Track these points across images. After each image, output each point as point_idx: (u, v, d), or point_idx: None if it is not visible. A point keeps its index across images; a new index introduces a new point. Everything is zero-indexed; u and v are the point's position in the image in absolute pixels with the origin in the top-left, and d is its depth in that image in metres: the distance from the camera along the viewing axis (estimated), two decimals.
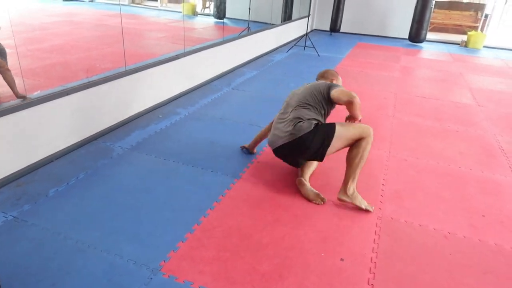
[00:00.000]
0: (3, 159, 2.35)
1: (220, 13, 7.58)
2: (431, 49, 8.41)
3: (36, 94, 2.61)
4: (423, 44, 8.83)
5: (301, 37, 7.71)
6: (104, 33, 5.58)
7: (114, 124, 3.24)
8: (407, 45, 8.71)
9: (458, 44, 9.03)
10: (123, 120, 3.34)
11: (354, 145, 2.31)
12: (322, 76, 2.81)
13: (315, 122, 2.34)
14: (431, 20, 8.83)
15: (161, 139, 3.13)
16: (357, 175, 2.31)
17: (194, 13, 8.16)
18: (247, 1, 6.11)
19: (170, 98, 3.99)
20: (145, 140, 3.08)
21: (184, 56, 4.11)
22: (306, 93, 2.48)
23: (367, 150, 2.28)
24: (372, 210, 2.30)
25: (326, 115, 2.51)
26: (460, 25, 10.29)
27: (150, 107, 3.69)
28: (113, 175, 2.54)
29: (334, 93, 2.37)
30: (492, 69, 6.76)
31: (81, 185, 2.40)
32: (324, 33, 9.76)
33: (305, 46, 7.32)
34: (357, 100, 2.28)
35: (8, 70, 2.64)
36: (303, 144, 2.29)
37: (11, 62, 2.65)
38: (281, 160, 2.89)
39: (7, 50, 2.64)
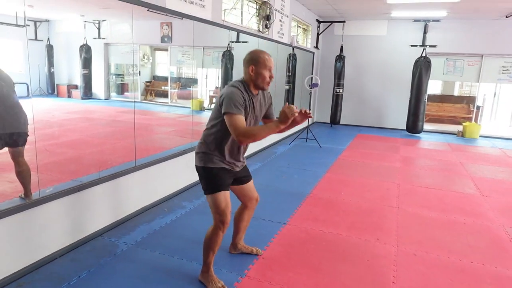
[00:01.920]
0: (4, 259, 2.33)
1: None
2: (429, 139, 8.70)
3: (48, 190, 2.70)
4: (421, 135, 9.17)
5: (303, 129, 8.08)
6: (116, 128, 5.90)
7: (121, 219, 3.27)
8: (405, 136, 9.05)
9: (455, 134, 9.37)
10: (129, 214, 3.37)
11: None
12: (243, 63, 2.31)
13: (201, 157, 2.29)
14: (426, 112, 9.31)
15: (166, 234, 3.12)
16: (205, 259, 2.37)
17: (202, 108, 8.68)
18: None
19: (176, 191, 4.07)
20: (150, 235, 3.08)
21: (192, 150, 4.30)
22: (215, 106, 2.27)
23: (211, 238, 2.32)
24: None
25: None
26: (454, 117, 10.79)
27: (156, 200, 3.75)
28: (115, 274, 2.49)
29: (225, 118, 2.10)
30: (491, 158, 6.91)
31: (82, 285, 2.35)
32: (325, 125, 10.22)
33: (307, 138, 7.63)
34: (243, 139, 2.04)
35: (25, 165, 2.76)
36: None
37: (28, 157, 2.79)
38: (287, 256, 2.85)
39: (27, 146, 2.79)
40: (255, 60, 2.22)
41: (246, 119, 2.18)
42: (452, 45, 9.05)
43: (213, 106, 9.45)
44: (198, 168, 2.35)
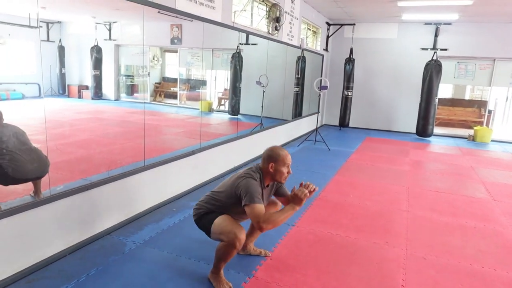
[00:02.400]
0: (14, 255, 2.36)
1: (234, 109, 8.10)
2: (440, 143, 8.61)
3: (58, 189, 2.73)
4: (431, 138, 9.07)
5: (312, 132, 8.06)
6: (126, 128, 5.95)
7: (129, 218, 3.29)
8: (415, 139, 8.96)
9: (466, 138, 9.25)
10: (138, 214, 3.39)
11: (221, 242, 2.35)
12: (262, 158, 2.45)
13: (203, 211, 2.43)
14: (436, 116, 9.21)
15: (174, 234, 3.13)
16: (216, 264, 2.38)
17: (210, 110, 8.71)
18: (260, 99, 6.57)
19: (184, 191, 4.08)
20: (158, 234, 3.09)
21: (200, 151, 4.31)
22: (227, 186, 2.41)
23: (223, 252, 2.32)
24: None
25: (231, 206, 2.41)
26: (465, 120, 10.66)
27: (165, 200, 3.76)
28: (123, 272, 2.50)
29: (246, 209, 2.22)
30: (503, 163, 6.81)
31: (91, 282, 2.36)
32: (334, 128, 10.18)
33: (315, 140, 7.60)
34: (266, 226, 2.16)
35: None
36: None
37: None
38: (295, 257, 2.84)
39: (37, 145, 2.83)
40: (274, 158, 2.37)
41: None
42: (464, 48, 8.96)
43: (221, 108, 9.41)
44: (197, 220, 2.46)
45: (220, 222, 2.31)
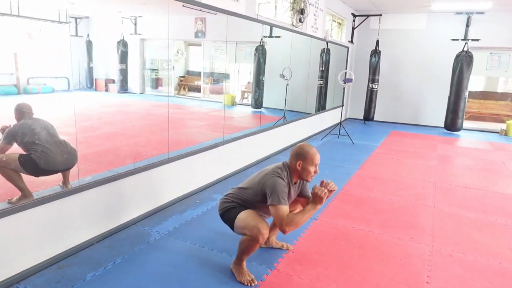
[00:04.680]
0: (47, 242, 2.46)
1: (257, 103, 8.10)
2: (469, 138, 8.31)
3: (86, 179, 2.82)
4: (460, 133, 8.77)
5: (335, 125, 7.95)
6: (151, 121, 6.07)
7: (154, 209, 3.36)
8: (443, 134, 8.69)
9: (497, 132, 8.89)
10: (162, 205, 3.46)
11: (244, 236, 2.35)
12: (291, 155, 2.43)
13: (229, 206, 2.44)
14: (466, 109, 8.89)
15: (197, 225, 3.18)
16: (239, 255, 2.39)
17: (233, 103, 8.74)
18: (283, 92, 6.53)
19: (207, 184, 4.13)
20: (182, 225, 3.14)
21: (223, 144, 4.34)
22: (254, 184, 2.39)
23: (246, 246, 2.32)
24: (248, 284, 2.33)
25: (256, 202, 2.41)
26: (497, 114, 10.24)
27: (188, 192, 3.82)
28: (148, 261, 2.57)
29: (271, 209, 2.24)
30: None
31: (117, 270, 2.44)
32: (358, 122, 10.01)
33: (339, 134, 7.50)
34: (288, 228, 2.17)
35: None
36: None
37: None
38: (317, 251, 2.83)
39: (67, 137, 2.93)
40: (303, 156, 2.34)
41: None
42: (497, 38, 8.57)
43: (244, 101, 9.43)
44: (221, 215, 2.49)
45: (245, 217, 2.32)
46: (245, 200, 2.40)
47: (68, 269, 2.42)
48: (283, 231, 2.21)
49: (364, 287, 2.38)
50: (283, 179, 2.30)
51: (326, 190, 2.23)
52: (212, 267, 2.53)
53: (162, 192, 3.49)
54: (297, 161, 2.34)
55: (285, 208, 2.21)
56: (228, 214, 2.43)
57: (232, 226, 2.41)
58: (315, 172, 2.38)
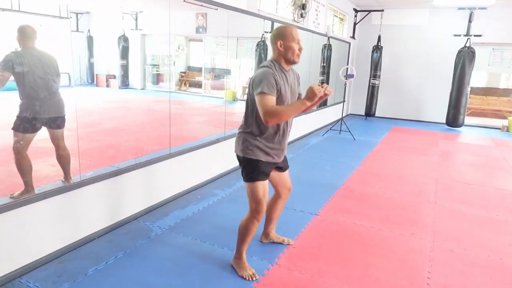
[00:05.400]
0: (49, 237, 2.47)
1: None
2: (471, 134, 8.29)
3: (88, 174, 2.82)
4: (462, 129, 8.75)
5: (337, 121, 7.94)
6: (152, 117, 6.07)
7: (155, 204, 3.37)
8: (445, 130, 8.67)
9: (499, 128, 8.87)
10: (163, 200, 3.47)
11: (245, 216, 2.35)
12: (270, 40, 2.28)
13: (243, 146, 2.31)
14: (468, 105, 8.86)
15: (198, 220, 3.19)
16: (239, 246, 2.40)
17: (235, 99, 8.72)
18: None
19: (208, 179, 4.13)
20: (183, 221, 3.15)
21: (225, 139, 4.34)
22: (249, 92, 2.23)
23: (247, 227, 2.33)
24: (248, 279, 2.33)
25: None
26: (499, 110, 10.20)
27: (189, 187, 3.82)
28: (150, 256, 2.58)
29: (256, 98, 2.09)
30: None
31: (119, 265, 2.45)
32: (359, 117, 9.99)
33: (340, 130, 7.49)
34: (270, 119, 2.03)
35: (66, 149, 2.90)
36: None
37: (70, 143, 2.92)
38: (318, 246, 2.83)
39: (68, 133, 2.93)
40: (282, 34, 2.19)
41: (284, 97, 2.18)
42: (500, 34, 8.52)
43: (245, 97, 9.42)
44: (239, 157, 2.37)
45: (259, 185, 2.27)
46: (256, 118, 2.21)
47: (70, 263, 2.43)
48: (265, 122, 2.06)
49: (365, 282, 2.38)
50: (271, 68, 2.14)
51: (322, 90, 2.00)
52: (213, 262, 2.54)
53: (163, 188, 3.49)
54: (277, 41, 2.18)
55: (269, 98, 2.05)
56: (249, 163, 2.28)
57: (243, 176, 2.34)
58: (299, 49, 2.21)
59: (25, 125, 2.59)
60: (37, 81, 2.64)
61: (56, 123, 2.81)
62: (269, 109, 2.03)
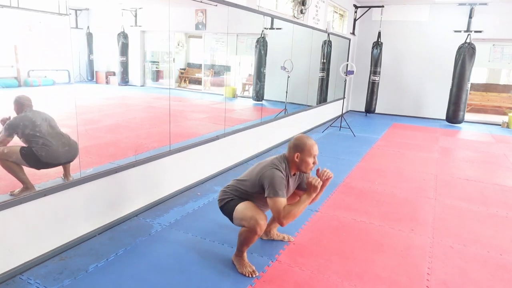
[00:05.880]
0: (50, 234, 2.48)
1: (258, 95, 8.07)
2: (471, 130, 8.29)
3: (88, 171, 2.82)
4: (462, 125, 8.75)
5: (337, 117, 7.94)
6: (152, 114, 6.07)
7: (156, 201, 3.37)
8: (445, 126, 8.67)
9: (499, 125, 8.86)
10: (164, 197, 3.47)
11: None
12: (289, 147, 2.42)
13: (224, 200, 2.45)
14: (468, 102, 8.85)
15: (198, 217, 3.19)
16: (239, 248, 2.42)
17: (234, 96, 8.71)
18: (284, 84, 6.51)
19: (208, 176, 4.13)
20: (183, 217, 3.15)
21: (224, 136, 4.34)
22: (252, 175, 2.39)
23: (245, 237, 2.34)
24: (249, 275, 2.34)
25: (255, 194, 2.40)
26: (499, 106, 10.19)
27: (189, 184, 3.82)
28: (150, 253, 2.58)
29: (269, 201, 2.24)
30: None
31: (119, 261, 2.45)
32: (359, 114, 9.98)
33: (340, 126, 7.49)
34: (286, 220, 2.19)
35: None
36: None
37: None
38: (318, 243, 2.84)
39: (68, 130, 2.93)
40: (301, 148, 2.33)
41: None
42: (500, 30, 8.50)
43: (245, 94, 9.39)
44: (222, 208, 2.49)
45: (242, 208, 2.33)
46: (244, 192, 2.40)
47: (70, 260, 2.44)
48: (281, 224, 2.22)
49: (365, 279, 2.39)
50: (281, 171, 2.29)
51: (319, 180, 2.24)
52: (213, 258, 2.54)
53: (163, 184, 3.50)
54: (295, 153, 2.33)
55: (282, 200, 2.21)
56: (227, 206, 2.43)
57: (231, 218, 2.42)
58: (313, 163, 2.36)
59: (34, 165, 2.65)
60: (48, 132, 2.70)
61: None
62: (284, 212, 2.19)
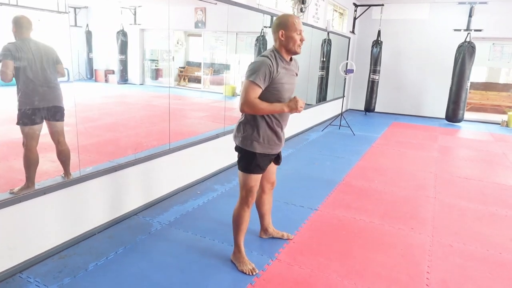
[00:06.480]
0: (49, 232, 2.47)
1: None
2: (470, 129, 8.30)
3: (88, 169, 2.82)
4: (461, 124, 8.75)
5: (336, 116, 7.93)
6: (151, 112, 6.06)
7: (155, 199, 3.37)
8: (445, 125, 8.67)
9: (499, 124, 8.87)
10: (163, 195, 3.47)
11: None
12: (272, 29, 2.26)
13: (243, 138, 2.30)
14: (468, 100, 8.84)
15: (198, 215, 3.19)
16: (235, 238, 2.42)
17: (234, 94, 8.71)
18: None
19: (208, 174, 4.13)
20: (183, 216, 3.15)
21: (224, 134, 4.33)
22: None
23: (239, 214, 2.37)
24: (249, 273, 2.35)
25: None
26: (499, 105, 10.20)
27: (189, 183, 3.82)
28: (150, 251, 2.58)
29: (244, 83, 2.11)
30: None
31: (119, 260, 2.45)
32: (359, 113, 9.98)
33: (340, 125, 7.49)
34: (246, 107, 2.07)
35: (66, 145, 2.89)
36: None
37: (69, 138, 2.92)
38: (318, 241, 2.84)
39: (67, 128, 2.92)
40: (283, 24, 2.17)
41: (284, 88, 2.18)
42: (500, 29, 8.49)
43: None
44: (238, 148, 2.37)
45: (251, 177, 2.30)
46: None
47: (70, 258, 2.44)
48: (240, 107, 2.10)
49: (364, 277, 2.39)
50: (270, 59, 2.11)
51: (303, 104, 2.13)
52: (213, 257, 2.54)
53: (163, 183, 3.49)
54: (279, 30, 2.15)
55: (256, 89, 2.06)
56: (246, 156, 2.31)
57: (239, 165, 2.37)
58: (301, 40, 2.19)
59: (24, 119, 2.58)
60: (36, 73, 2.61)
61: (55, 116, 2.79)
62: (250, 100, 2.07)
